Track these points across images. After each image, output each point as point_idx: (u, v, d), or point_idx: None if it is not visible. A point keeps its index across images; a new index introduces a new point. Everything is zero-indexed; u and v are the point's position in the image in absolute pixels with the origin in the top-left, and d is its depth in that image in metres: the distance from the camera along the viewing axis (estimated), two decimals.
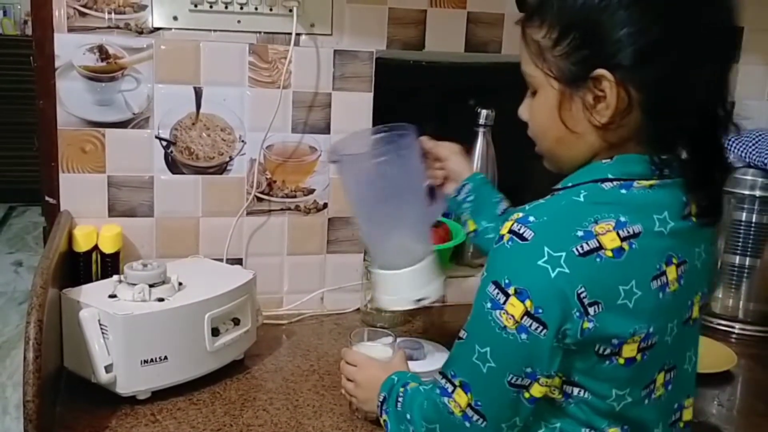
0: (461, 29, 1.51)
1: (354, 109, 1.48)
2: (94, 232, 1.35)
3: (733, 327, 1.56)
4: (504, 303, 0.77)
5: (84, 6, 1.32)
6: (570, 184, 0.84)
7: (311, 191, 1.50)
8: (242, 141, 1.44)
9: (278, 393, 1.20)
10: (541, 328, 0.77)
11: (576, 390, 0.82)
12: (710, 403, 1.25)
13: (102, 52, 1.35)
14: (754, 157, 1.48)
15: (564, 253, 0.76)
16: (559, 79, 0.82)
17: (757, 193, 1.49)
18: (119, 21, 1.34)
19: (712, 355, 1.34)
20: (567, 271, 0.76)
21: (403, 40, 1.49)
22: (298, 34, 1.41)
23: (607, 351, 0.79)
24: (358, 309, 1.54)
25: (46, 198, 1.39)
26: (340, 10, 1.43)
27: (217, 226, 1.46)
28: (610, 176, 0.82)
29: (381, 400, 1.01)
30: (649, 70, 0.78)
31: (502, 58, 1.53)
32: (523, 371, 0.79)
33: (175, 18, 1.36)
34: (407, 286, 1.17)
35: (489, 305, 0.79)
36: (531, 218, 0.79)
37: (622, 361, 0.80)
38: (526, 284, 0.77)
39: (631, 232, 0.79)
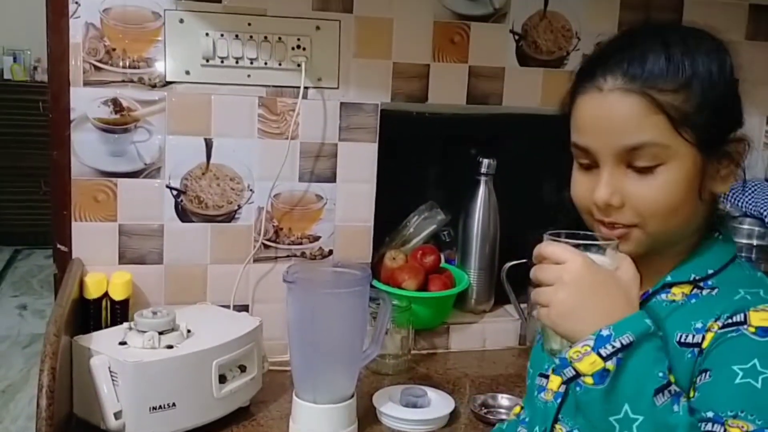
0: (463, 82, 1.55)
1: (359, 159, 1.52)
2: (104, 279, 1.37)
3: None
4: None
5: (99, 61, 1.37)
6: (714, 270, 0.82)
7: (317, 238, 1.53)
8: (251, 190, 1.48)
9: None
10: None
11: None
12: None
13: (116, 104, 1.39)
14: (750, 207, 1.50)
15: None
16: (700, 145, 0.77)
17: (755, 242, 1.52)
18: (133, 75, 1.39)
19: None
20: None
21: (406, 92, 1.53)
22: (306, 88, 1.45)
23: None
24: None
25: (58, 246, 1.42)
26: (347, 64, 1.48)
27: (224, 273, 1.48)
28: (735, 252, 0.84)
29: (614, 337, 0.70)
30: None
31: (502, 109, 1.57)
32: None
33: (188, 72, 1.41)
34: (323, 422, 1.18)
35: None
36: None
37: None
38: None
39: None
